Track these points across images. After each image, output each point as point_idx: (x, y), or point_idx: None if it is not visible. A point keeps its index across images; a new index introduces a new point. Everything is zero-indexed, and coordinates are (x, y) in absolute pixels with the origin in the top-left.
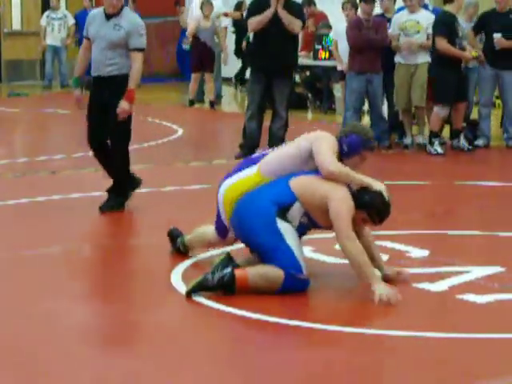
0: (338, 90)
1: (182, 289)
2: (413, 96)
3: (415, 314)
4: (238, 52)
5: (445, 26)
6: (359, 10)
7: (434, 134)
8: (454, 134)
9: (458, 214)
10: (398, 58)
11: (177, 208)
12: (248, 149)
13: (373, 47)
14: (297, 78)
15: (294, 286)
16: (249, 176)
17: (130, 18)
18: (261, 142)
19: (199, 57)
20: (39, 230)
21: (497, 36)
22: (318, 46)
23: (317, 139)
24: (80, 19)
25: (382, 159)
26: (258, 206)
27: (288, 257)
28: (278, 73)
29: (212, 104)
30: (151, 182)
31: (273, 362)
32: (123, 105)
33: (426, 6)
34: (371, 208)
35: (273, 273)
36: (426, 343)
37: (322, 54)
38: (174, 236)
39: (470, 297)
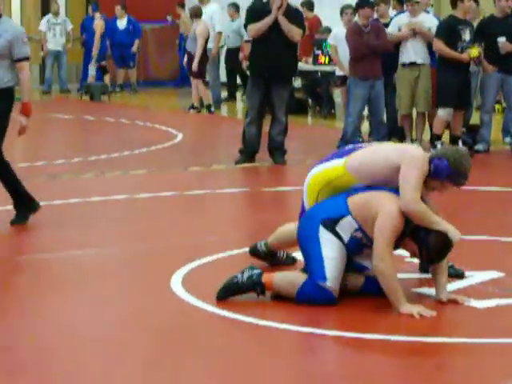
0: (337, 95)
1: (182, 293)
2: (418, 101)
3: (415, 318)
4: None
5: (445, 28)
6: (357, 15)
7: (437, 137)
8: (453, 140)
9: (458, 218)
10: (402, 59)
11: (177, 213)
12: (248, 154)
13: (375, 53)
14: (296, 83)
15: (314, 293)
16: (334, 166)
17: (11, 26)
18: (260, 147)
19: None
20: (42, 235)
21: (501, 40)
22: (317, 51)
23: (409, 162)
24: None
25: None
26: (310, 214)
27: (318, 265)
28: (278, 78)
29: (209, 108)
30: (151, 187)
31: (270, 367)
32: (22, 121)
33: (427, 12)
34: (422, 245)
35: (296, 277)
36: (426, 348)
37: (322, 59)
38: (255, 250)
39: (471, 302)
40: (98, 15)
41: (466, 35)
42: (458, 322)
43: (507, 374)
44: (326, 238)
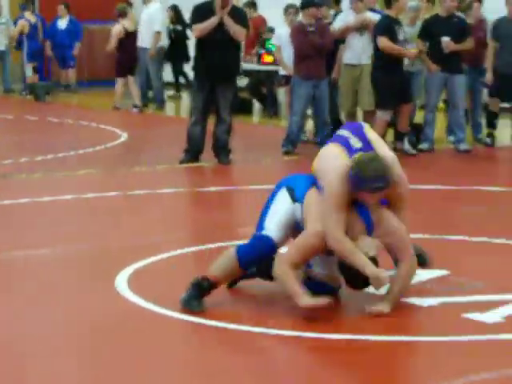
0: (281, 94)
1: (127, 293)
2: (361, 100)
3: (360, 317)
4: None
5: (385, 28)
6: (301, 14)
7: (403, 135)
8: (399, 137)
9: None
10: (345, 59)
11: (122, 213)
12: (192, 154)
13: (319, 52)
14: (241, 83)
15: (252, 246)
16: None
17: None
18: (205, 146)
19: (126, 61)
20: None
21: (445, 39)
22: (261, 51)
23: (325, 190)
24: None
25: None
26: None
27: (262, 219)
28: (222, 78)
29: (138, 107)
30: (96, 187)
31: (211, 366)
32: None
33: (373, 10)
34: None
35: (227, 251)
36: (370, 346)
37: (266, 59)
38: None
39: (415, 300)
40: (27, 14)
41: (401, 35)
42: (401, 321)
43: (451, 373)
44: (281, 196)
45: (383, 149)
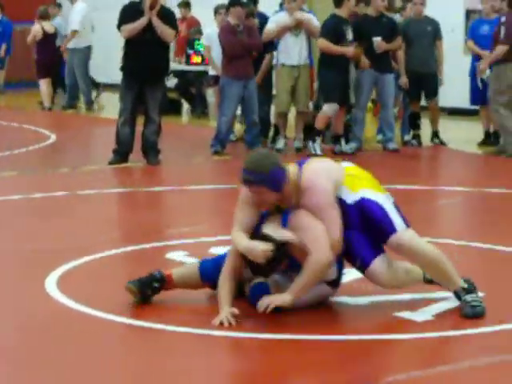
0: (210, 95)
1: (56, 294)
2: (298, 101)
3: (292, 316)
4: None
5: (331, 28)
6: (229, 14)
7: (318, 132)
8: (335, 139)
9: None
10: (281, 60)
11: (50, 214)
12: (121, 154)
13: (248, 52)
14: (170, 83)
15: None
16: None
17: None
18: (134, 147)
19: (46, 62)
20: None
21: (377, 39)
22: (189, 51)
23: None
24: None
25: None
26: None
27: None
28: (151, 78)
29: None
30: (24, 189)
31: (141, 367)
32: None
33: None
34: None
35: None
36: (300, 345)
37: (195, 59)
38: None
39: (346, 299)
40: None
41: (349, 35)
42: (331, 320)
43: (378, 371)
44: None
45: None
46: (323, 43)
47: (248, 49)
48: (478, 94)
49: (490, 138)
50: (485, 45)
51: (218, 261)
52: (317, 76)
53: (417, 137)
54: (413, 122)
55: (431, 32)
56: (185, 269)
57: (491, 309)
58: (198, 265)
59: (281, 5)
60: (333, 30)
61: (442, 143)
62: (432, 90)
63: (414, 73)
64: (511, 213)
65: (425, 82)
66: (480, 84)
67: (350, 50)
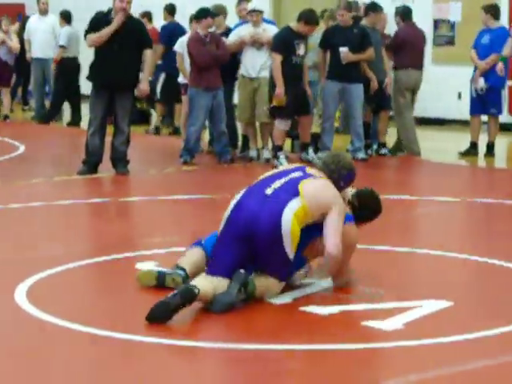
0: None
1: (25, 305)
2: (258, 112)
3: (259, 326)
4: None
5: (282, 41)
6: (198, 25)
7: (278, 148)
8: (302, 147)
9: None
10: (241, 71)
11: (20, 225)
12: (90, 164)
13: (218, 63)
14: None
15: None
16: (299, 207)
17: None
18: (103, 157)
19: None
20: None
21: (343, 50)
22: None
23: (336, 210)
24: None
25: (225, 173)
26: None
27: None
28: (120, 88)
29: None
30: None
31: (128, 379)
32: None
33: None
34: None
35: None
36: (268, 355)
37: None
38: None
39: (316, 308)
40: None
41: (301, 50)
42: (301, 329)
43: (348, 381)
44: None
45: None
46: (275, 60)
47: (217, 60)
48: (476, 103)
49: (476, 149)
50: (483, 55)
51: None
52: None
53: (369, 147)
54: (366, 132)
55: (380, 41)
56: (192, 257)
57: (460, 318)
58: (200, 248)
59: (240, 17)
60: (283, 43)
61: (393, 154)
62: (385, 101)
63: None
64: (487, 222)
65: (379, 91)
66: (474, 94)
67: (281, 92)
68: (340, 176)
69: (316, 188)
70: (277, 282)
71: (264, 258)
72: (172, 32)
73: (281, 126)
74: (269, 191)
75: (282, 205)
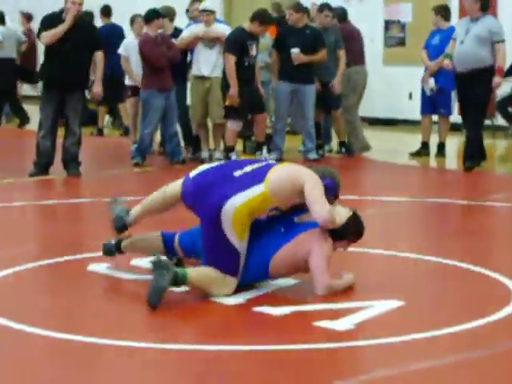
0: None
1: None
2: (211, 113)
3: (211, 326)
4: None
5: (234, 42)
6: (148, 26)
7: (230, 148)
8: (257, 147)
9: None
10: (193, 71)
11: None
12: (42, 166)
13: (171, 63)
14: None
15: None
16: (258, 194)
17: None
18: (55, 158)
19: None
20: None
21: (295, 51)
22: None
23: (311, 179)
24: None
25: (177, 174)
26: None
27: None
28: (71, 89)
29: None
30: None
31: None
32: None
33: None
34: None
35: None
36: (220, 356)
37: None
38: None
39: (267, 309)
40: None
41: (253, 50)
42: (253, 330)
43: (300, 381)
44: None
45: None
46: (228, 61)
47: (170, 60)
48: (427, 103)
49: (427, 149)
50: (434, 55)
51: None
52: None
53: (320, 147)
54: (317, 132)
55: (333, 42)
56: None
57: (410, 318)
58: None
59: (191, 18)
60: (235, 43)
61: (350, 153)
62: (334, 101)
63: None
64: (439, 222)
65: (328, 92)
66: (428, 93)
67: (235, 92)
68: (325, 179)
69: (284, 168)
70: (222, 276)
71: (207, 243)
72: (109, 33)
73: (233, 126)
74: (237, 173)
75: (236, 190)
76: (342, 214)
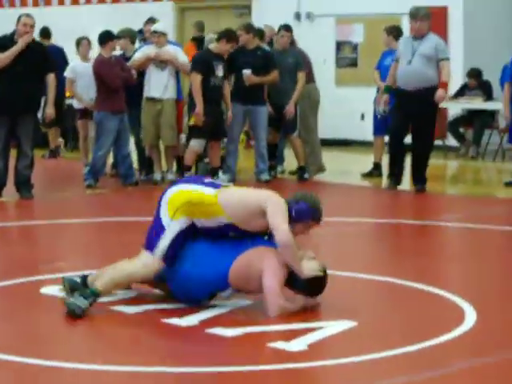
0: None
1: None
2: (163, 135)
3: (163, 348)
4: None
5: (201, 63)
6: (102, 47)
7: (187, 168)
8: (212, 172)
9: None
10: (145, 93)
11: None
12: None
13: (126, 85)
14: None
15: None
16: (207, 194)
17: None
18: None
19: None
20: None
21: (246, 72)
22: None
23: (271, 203)
24: None
25: (129, 196)
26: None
27: None
28: (23, 112)
29: None
30: None
31: None
32: None
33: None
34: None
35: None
36: (173, 378)
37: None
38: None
39: (219, 330)
40: None
41: (220, 71)
42: (206, 351)
43: None
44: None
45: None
46: (194, 81)
47: (125, 82)
48: (379, 124)
49: (379, 170)
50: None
51: None
52: (188, 110)
53: (273, 168)
54: (271, 154)
55: (293, 64)
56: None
57: (363, 339)
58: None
59: (143, 40)
60: (201, 63)
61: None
62: (290, 124)
63: (273, 105)
64: (391, 243)
65: (284, 115)
66: (378, 115)
67: (200, 111)
68: (297, 203)
69: (241, 190)
70: (133, 259)
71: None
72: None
73: (195, 146)
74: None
75: (189, 183)
76: (311, 269)
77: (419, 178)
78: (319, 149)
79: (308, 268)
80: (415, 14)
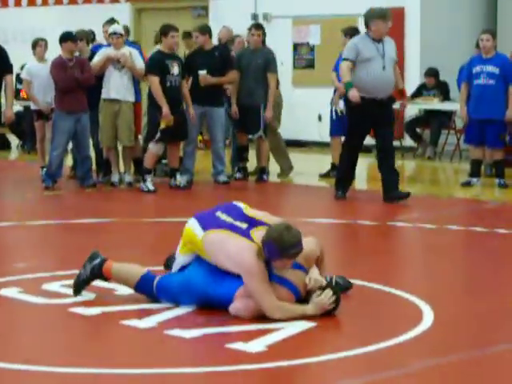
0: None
1: None
2: (120, 136)
3: (124, 351)
4: None
5: (155, 64)
6: (61, 48)
7: (148, 171)
8: (171, 173)
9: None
10: (103, 94)
11: None
12: None
13: (81, 86)
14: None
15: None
16: (196, 234)
17: None
18: None
19: None
20: None
21: (202, 73)
22: (19, 86)
23: (247, 274)
24: None
25: (88, 198)
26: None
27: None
28: None
29: None
30: None
31: None
32: None
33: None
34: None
35: (135, 269)
36: (131, 380)
37: (24, 94)
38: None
39: (178, 332)
40: None
41: (175, 69)
42: (166, 353)
43: None
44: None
45: (274, 219)
46: (152, 83)
47: (80, 83)
48: (337, 125)
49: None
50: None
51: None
52: (145, 112)
53: (242, 170)
54: (240, 155)
55: (261, 64)
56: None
57: (321, 339)
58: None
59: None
60: (154, 66)
61: (262, 179)
62: (254, 125)
63: (239, 105)
64: (349, 243)
65: (249, 115)
66: (334, 115)
67: (167, 111)
68: (266, 244)
69: (218, 241)
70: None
71: None
72: None
73: (154, 149)
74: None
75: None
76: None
77: (396, 185)
78: (286, 148)
79: (318, 302)
80: (384, 15)
